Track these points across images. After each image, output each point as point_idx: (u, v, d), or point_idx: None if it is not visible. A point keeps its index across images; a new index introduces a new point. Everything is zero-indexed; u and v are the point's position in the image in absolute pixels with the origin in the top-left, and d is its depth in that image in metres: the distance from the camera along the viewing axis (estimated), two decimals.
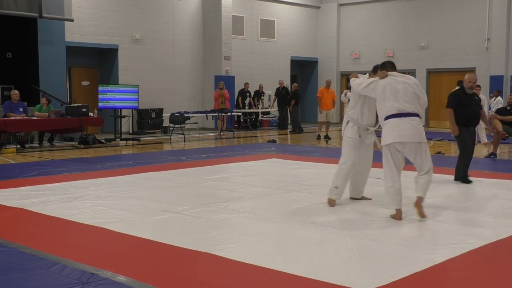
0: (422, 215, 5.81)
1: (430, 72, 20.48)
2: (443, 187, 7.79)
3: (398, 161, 5.88)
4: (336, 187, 6.54)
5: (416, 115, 5.83)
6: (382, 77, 6.07)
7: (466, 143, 8.26)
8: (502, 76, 18.68)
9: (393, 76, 6.07)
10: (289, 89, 19.61)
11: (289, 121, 19.63)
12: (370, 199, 6.86)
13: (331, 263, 4.42)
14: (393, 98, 5.88)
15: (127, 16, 17.49)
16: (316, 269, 4.22)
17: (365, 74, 6.75)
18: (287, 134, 18.30)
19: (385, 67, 6.25)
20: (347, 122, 6.61)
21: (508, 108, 11.95)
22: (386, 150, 5.90)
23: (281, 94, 19.84)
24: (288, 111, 19.15)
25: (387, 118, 5.88)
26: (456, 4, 19.90)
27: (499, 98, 16.30)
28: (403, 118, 5.78)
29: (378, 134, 6.25)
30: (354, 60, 22.44)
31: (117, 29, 17.24)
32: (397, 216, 5.82)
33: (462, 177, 8.22)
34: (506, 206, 6.52)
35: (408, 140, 5.77)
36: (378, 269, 4.25)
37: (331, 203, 6.58)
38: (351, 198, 6.86)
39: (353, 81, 6.46)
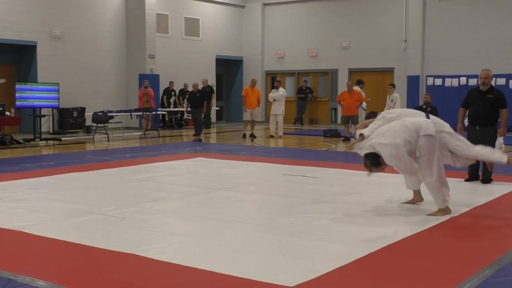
0: None
1: (352, 72, 21.04)
2: (365, 184, 8.03)
3: None
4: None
5: None
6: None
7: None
8: (418, 76, 19.48)
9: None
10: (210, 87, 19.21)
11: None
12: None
13: (256, 260, 4.46)
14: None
15: (45, 12, 16.87)
16: (242, 267, 4.25)
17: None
18: (214, 133, 18.28)
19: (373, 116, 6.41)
20: None
21: (425, 107, 12.46)
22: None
23: (206, 92, 19.76)
24: (202, 112, 17.42)
25: None
26: (376, 6, 20.54)
27: None
28: None
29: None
30: (278, 60, 22.71)
31: (35, 24, 16.60)
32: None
33: (471, 176, 8.05)
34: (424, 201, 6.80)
35: None
36: (302, 264, 4.32)
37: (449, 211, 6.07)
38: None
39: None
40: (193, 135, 16.27)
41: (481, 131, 8.00)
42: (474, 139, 8.09)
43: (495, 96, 8.00)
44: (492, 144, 8.13)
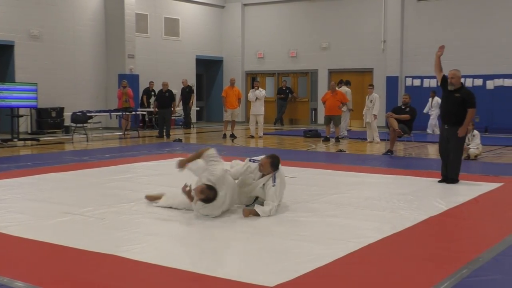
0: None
1: (331, 72, 21.14)
2: (345, 184, 8.08)
3: None
4: None
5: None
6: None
7: (439, 141, 8.28)
8: (397, 77, 19.64)
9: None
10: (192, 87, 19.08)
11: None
12: None
13: (237, 260, 4.47)
14: None
15: (23, 11, 16.67)
16: (223, 267, 4.26)
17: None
18: (194, 133, 18.23)
19: None
20: None
21: (403, 107, 12.58)
22: None
23: (185, 92, 19.73)
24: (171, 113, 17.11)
25: None
26: (355, 7, 20.67)
27: (436, 98, 16.83)
28: None
29: None
30: (258, 60, 22.73)
31: (12, 24, 16.39)
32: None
33: (445, 176, 8.15)
34: (402, 200, 6.87)
35: None
36: (283, 265, 4.34)
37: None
38: None
39: None
40: (157, 136, 16.11)
41: (449, 130, 8.09)
42: (444, 138, 8.21)
43: (462, 95, 8.05)
44: (459, 143, 8.20)
